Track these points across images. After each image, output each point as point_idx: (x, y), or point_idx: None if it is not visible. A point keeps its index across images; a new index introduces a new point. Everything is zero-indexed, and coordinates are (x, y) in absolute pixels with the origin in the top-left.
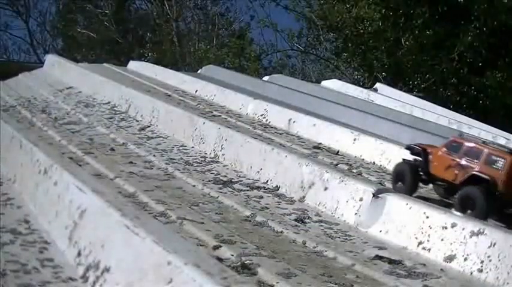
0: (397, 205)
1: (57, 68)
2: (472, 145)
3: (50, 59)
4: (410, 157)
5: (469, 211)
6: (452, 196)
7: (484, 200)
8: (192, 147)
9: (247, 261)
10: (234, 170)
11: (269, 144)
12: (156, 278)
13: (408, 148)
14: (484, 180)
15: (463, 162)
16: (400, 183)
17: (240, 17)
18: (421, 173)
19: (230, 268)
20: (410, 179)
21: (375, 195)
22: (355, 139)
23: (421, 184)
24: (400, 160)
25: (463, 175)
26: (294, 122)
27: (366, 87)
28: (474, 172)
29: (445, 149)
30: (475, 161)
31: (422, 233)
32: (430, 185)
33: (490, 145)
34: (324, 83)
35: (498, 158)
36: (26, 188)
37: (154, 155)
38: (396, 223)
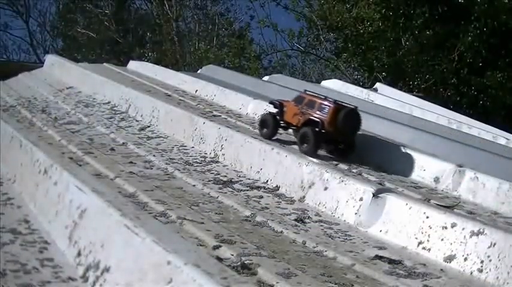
0: (397, 205)
1: (57, 68)
2: (310, 97)
3: (50, 59)
4: (272, 110)
5: (305, 145)
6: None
7: (314, 136)
8: (192, 147)
9: (247, 261)
10: (234, 170)
11: (269, 144)
12: (156, 278)
13: (271, 102)
14: (315, 122)
15: (304, 110)
16: (264, 129)
17: (240, 17)
18: (279, 121)
19: (230, 267)
20: (272, 125)
21: (375, 195)
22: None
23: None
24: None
25: (303, 119)
26: None
27: (365, 87)
28: (309, 117)
29: (293, 102)
30: (311, 109)
31: (422, 233)
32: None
33: (323, 98)
34: (324, 83)
35: (325, 106)
36: (25, 188)
37: (154, 155)
38: (396, 223)
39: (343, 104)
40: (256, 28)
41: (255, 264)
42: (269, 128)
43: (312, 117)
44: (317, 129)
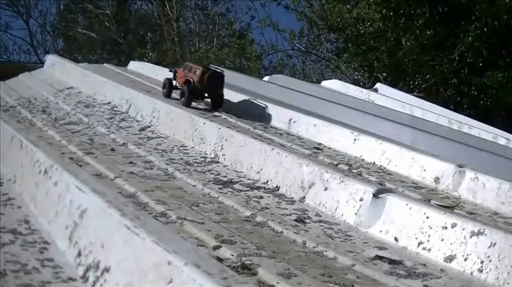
0: (397, 205)
1: (58, 69)
2: (191, 65)
3: (50, 59)
4: (170, 76)
5: (183, 98)
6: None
7: (188, 91)
8: (193, 147)
9: (248, 261)
10: (234, 171)
11: (269, 144)
12: (156, 279)
13: (170, 70)
14: (190, 81)
15: (186, 74)
16: (164, 90)
17: (240, 17)
18: (174, 84)
19: (230, 268)
20: (168, 86)
21: (375, 195)
22: (355, 139)
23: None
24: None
25: (183, 80)
26: (294, 122)
27: (366, 88)
28: (187, 78)
29: (182, 69)
30: (189, 73)
31: (422, 233)
32: None
33: (200, 65)
34: (325, 83)
35: (197, 70)
36: (26, 188)
37: (154, 156)
38: (396, 223)
39: (211, 68)
40: (257, 28)
41: (255, 264)
42: (166, 88)
43: (188, 78)
44: (190, 86)
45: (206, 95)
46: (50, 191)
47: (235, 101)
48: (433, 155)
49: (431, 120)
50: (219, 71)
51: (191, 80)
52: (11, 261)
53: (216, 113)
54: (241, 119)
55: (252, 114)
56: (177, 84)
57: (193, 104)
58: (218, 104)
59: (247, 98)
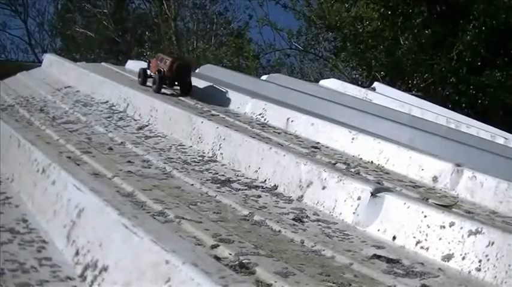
0: (395, 204)
1: (55, 68)
2: (162, 56)
3: (48, 58)
4: (145, 66)
5: (154, 86)
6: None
7: (158, 79)
8: (190, 146)
9: (245, 260)
10: (232, 169)
11: (267, 143)
12: (154, 277)
13: (145, 61)
14: (161, 70)
15: (157, 64)
16: (139, 78)
17: (238, 16)
18: (149, 73)
19: (228, 267)
20: (142, 75)
21: (373, 194)
22: (353, 138)
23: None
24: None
25: (155, 69)
26: (292, 121)
27: (364, 87)
28: (158, 67)
29: (155, 60)
30: (161, 63)
31: (420, 232)
32: None
33: (170, 56)
34: (323, 82)
35: (167, 60)
36: (24, 187)
37: (152, 155)
38: (394, 222)
39: (180, 58)
40: (255, 27)
41: (253, 263)
42: (141, 77)
43: (159, 68)
44: (161, 75)
45: (176, 83)
46: (47, 190)
47: (201, 87)
48: (431, 154)
49: (429, 119)
50: (187, 61)
51: (162, 69)
52: (9, 260)
53: (214, 113)
54: (240, 118)
55: (214, 98)
56: (151, 73)
57: (170, 92)
58: (186, 91)
59: (210, 84)
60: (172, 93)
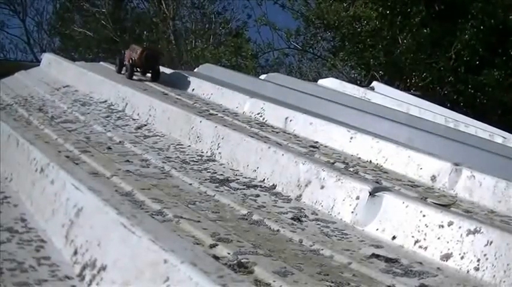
0: (393, 203)
1: (54, 67)
2: (134, 46)
3: (47, 57)
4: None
5: (126, 73)
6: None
7: (129, 66)
8: (189, 145)
9: (244, 259)
10: (231, 169)
11: (266, 142)
12: (152, 277)
13: (121, 52)
14: (132, 59)
15: (130, 54)
16: (116, 67)
17: (237, 16)
18: (124, 63)
19: (227, 266)
20: (119, 64)
21: (372, 193)
22: (351, 138)
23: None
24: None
25: (128, 58)
26: (290, 120)
27: (362, 86)
28: (130, 57)
29: (129, 50)
30: (133, 53)
31: (418, 231)
32: None
33: (141, 46)
34: (321, 81)
35: (138, 50)
36: (22, 186)
37: (151, 154)
38: (393, 222)
39: (149, 49)
40: (253, 27)
41: (252, 262)
42: (118, 65)
43: (131, 57)
44: (131, 63)
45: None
46: (46, 189)
47: (168, 73)
48: (429, 153)
49: (428, 118)
50: (156, 50)
51: (133, 58)
52: (7, 259)
53: (213, 112)
54: (238, 117)
55: (178, 83)
56: (125, 62)
57: (142, 80)
58: (155, 77)
59: (175, 71)
60: (140, 79)
